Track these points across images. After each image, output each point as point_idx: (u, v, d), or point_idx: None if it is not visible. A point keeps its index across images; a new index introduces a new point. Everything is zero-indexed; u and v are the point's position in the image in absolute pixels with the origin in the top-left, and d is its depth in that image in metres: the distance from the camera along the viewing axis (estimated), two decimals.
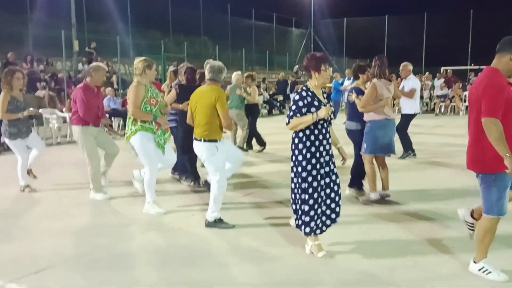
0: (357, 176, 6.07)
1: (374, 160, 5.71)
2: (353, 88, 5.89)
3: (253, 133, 9.75)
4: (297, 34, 36.58)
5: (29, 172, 6.68)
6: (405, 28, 31.26)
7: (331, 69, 4.05)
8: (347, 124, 6.02)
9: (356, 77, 5.95)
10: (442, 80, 19.74)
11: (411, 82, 8.52)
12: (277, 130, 11.80)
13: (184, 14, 25.49)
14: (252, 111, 9.70)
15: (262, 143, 9.80)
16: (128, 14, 22.40)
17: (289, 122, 3.94)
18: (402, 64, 8.65)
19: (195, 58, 20.61)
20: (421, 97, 19.17)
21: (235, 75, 9.43)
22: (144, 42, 22.35)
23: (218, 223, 4.86)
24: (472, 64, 27.91)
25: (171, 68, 8.88)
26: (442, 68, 23.50)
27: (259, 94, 16.81)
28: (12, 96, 6.21)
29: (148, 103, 5.24)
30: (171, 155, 5.64)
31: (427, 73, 22.32)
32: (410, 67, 8.58)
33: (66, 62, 16.77)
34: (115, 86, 16.63)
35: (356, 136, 5.88)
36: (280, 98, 20.80)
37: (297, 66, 31.65)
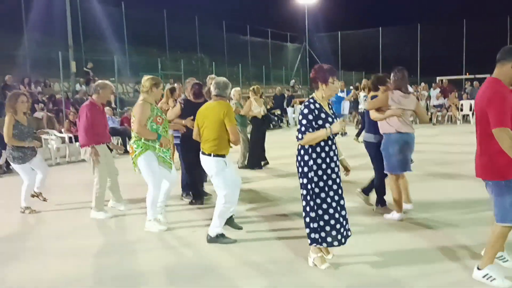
0: (372, 187, 6.01)
1: (399, 178, 5.51)
2: (372, 97, 5.94)
3: (250, 149, 9.48)
4: (292, 48, 36.90)
5: (38, 195, 6.73)
6: (399, 39, 31.61)
7: (338, 81, 4.08)
8: (365, 136, 5.99)
9: (375, 89, 5.97)
10: (438, 90, 19.84)
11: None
12: (276, 144, 11.80)
13: (180, 32, 25.70)
14: (253, 125, 9.65)
15: (255, 165, 9.40)
16: (124, 33, 22.56)
17: (302, 137, 3.91)
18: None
19: (192, 75, 20.55)
20: None
21: (233, 91, 9.47)
22: (141, 60, 22.48)
23: (220, 238, 4.85)
24: (467, 73, 28.14)
25: (168, 86, 8.91)
26: (438, 78, 23.68)
27: None
28: (16, 120, 6.24)
29: (155, 122, 5.26)
30: (173, 172, 5.63)
31: (423, 83, 22.46)
32: None
33: (64, 83, 16.80)
34: (113, 105, 16.67)
35: (372, 149, 5.81)
36: (278, 112, 20.87)
37: (293, 80, 31.85)
